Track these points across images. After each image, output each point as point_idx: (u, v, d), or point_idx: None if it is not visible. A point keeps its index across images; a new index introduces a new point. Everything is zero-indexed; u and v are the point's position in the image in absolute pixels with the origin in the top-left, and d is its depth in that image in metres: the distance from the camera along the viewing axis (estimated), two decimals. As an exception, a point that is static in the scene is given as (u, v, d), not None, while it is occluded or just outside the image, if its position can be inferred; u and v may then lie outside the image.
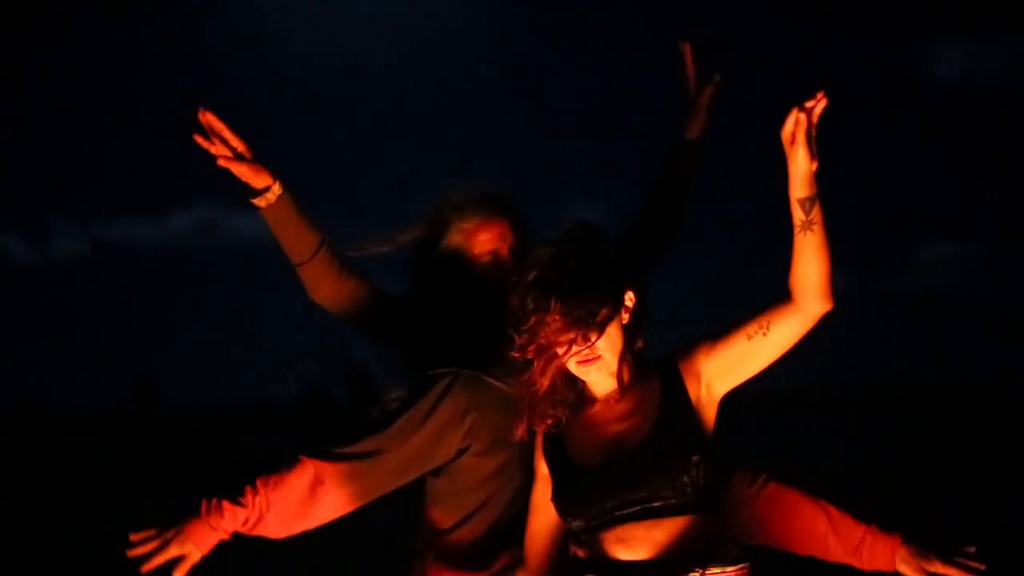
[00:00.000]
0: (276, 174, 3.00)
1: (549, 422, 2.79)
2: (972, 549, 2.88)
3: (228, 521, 2.89)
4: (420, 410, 2.96)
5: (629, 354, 2.77)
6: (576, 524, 2.74)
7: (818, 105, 2.67)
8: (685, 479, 2.69)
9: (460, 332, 3.05)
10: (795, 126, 2.66)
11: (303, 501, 2.94)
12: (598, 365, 2.73)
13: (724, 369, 2.78)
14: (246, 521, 2.91)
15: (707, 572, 2.69)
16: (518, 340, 2.73)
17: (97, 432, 21.26)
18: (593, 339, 2.70)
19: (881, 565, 2.91)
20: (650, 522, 2.69)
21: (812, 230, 2.69)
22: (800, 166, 2.67)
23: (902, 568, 2.88)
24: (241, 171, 2.97)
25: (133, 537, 2.91)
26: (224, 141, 2.96)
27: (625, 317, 2.74)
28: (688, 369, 2.79)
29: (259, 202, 3.01)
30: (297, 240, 3.07)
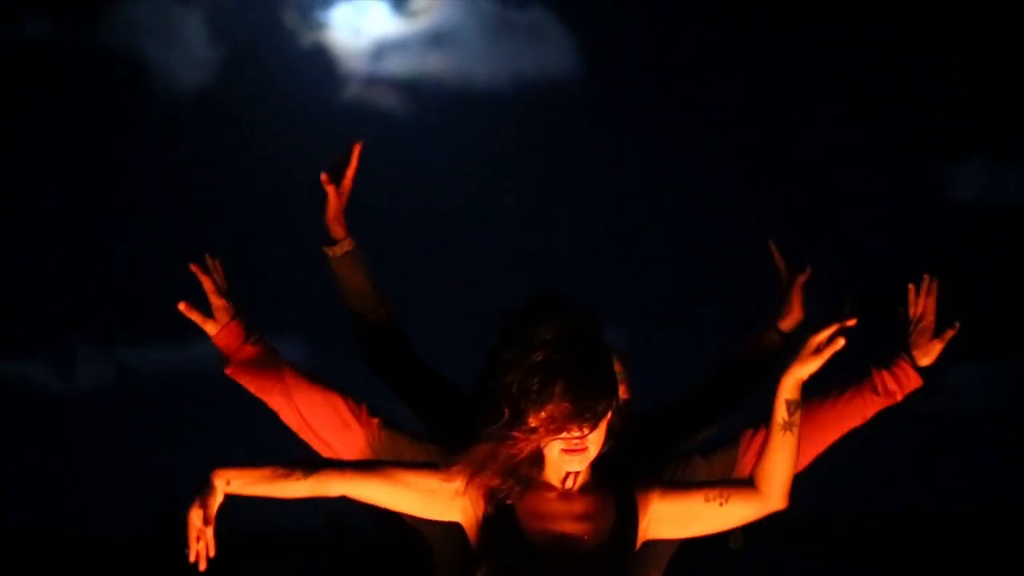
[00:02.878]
0: (353, 233, 3.18)
1: (499, 486, 2.72)
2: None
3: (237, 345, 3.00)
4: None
5: (602, 451, 2.74)
6: None
7: (852, 326, 2.74)
8: None
9: None
10: (829, 343, 2.71)
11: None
12: (582, 457, 2.68)
13: (671, 518, 2.78)
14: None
15: None
16: (508, 416, 2.67)
17: (120, 558, 21.18)
18: (586, 431, 2.65)
19: (911, 385, 3.06)
20: None
21: (791, 431, 2.73)
22: (804, 373, 2.72)
23: (928, 360, 3.05)
24: (332, 206, 3.14)
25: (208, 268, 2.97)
26: (341, 174, 3.14)
27: (609, 414, 2.70)
28: (641, 500, 2.77)
29: (329, 250, 3.17)
30: (357, 296, 3.21)
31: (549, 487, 2.76)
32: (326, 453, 3.01)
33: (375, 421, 3.01)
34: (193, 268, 2.95)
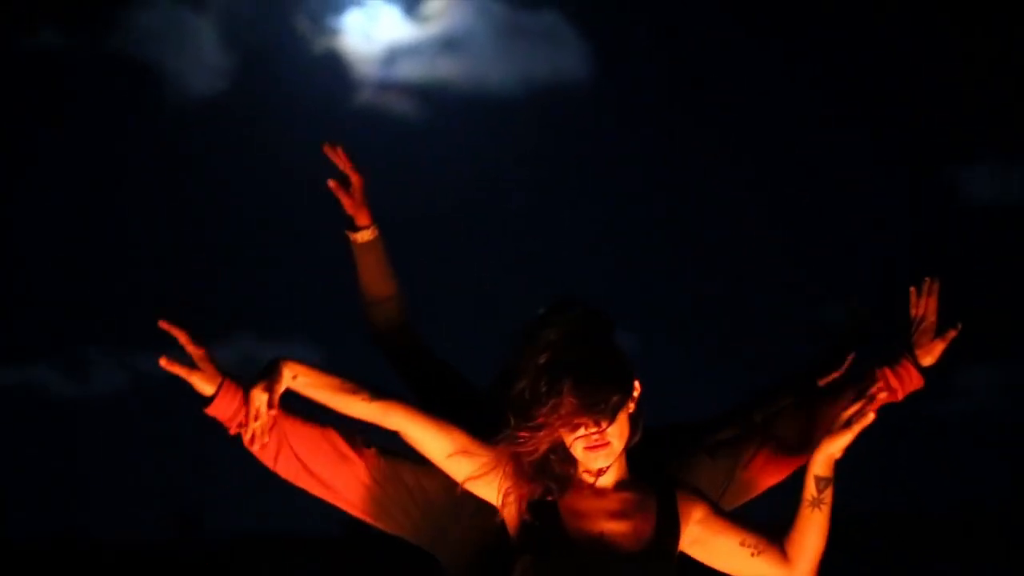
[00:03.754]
0: (375, 220, 3.29)
1: (535, 488, 2.77)
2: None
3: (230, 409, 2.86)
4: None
5: (630, 446, 2.77)
6: None
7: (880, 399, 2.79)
8: None
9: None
10: (859, 418, 2.72)
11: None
12: (607, 452, 2.73)
13: (702, 543, 2.82)
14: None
15: None
16: (523, 421, 2.72)
17: (134, 565, 21.24)
18: (604, 425, 2.70)
19: (912, 384, 3.10)
20: None
21: (820, 509, 2.76)
22: (835, 448, 2.74)
23: (930, 359, 3.09)
24: (347, 203, 3.24)
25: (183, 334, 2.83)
26: (344, 174, 3.24)
27: (631, 406, 2.75)
28: (684, 509, 2.81)
29: (353, 236, 3.27)
30: (374, 282, 3.30)
31: (585, 485, 2.80)
32: (328, 496, 2.98)
33: (372, 450, 2.99)
34: (163, 325, 2.87)
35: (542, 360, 2.71)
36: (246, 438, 2.74)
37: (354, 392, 2.78)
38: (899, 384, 3.10)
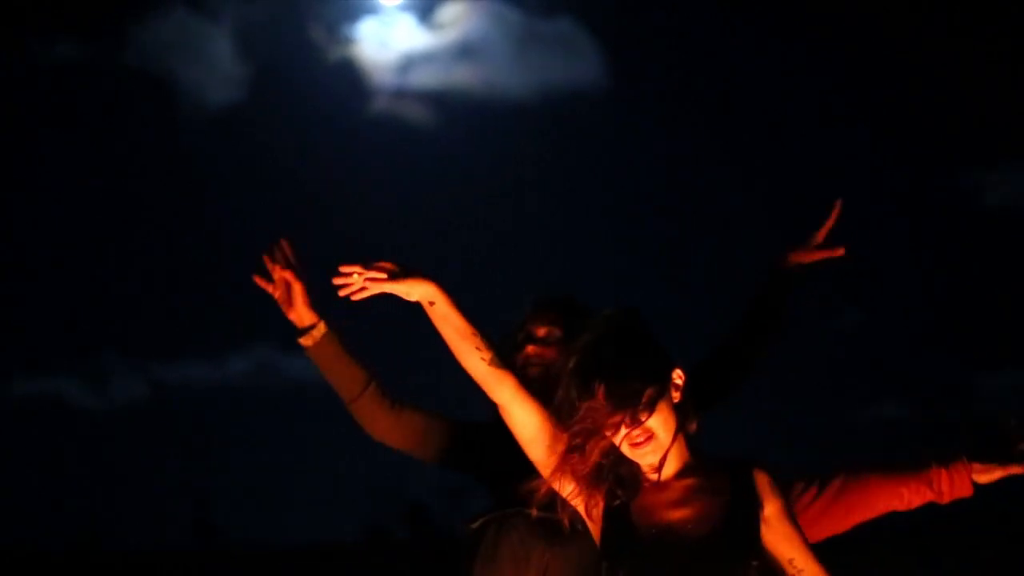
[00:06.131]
0: (323, 315, 3.08)
1: (601, 496, 2.76)
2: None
3: None
4: None
5: (684, 434, 2.75)
6: None
7: None
8: None
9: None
10: None
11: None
12: (653, 446, 2.71)
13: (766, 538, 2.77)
14: None
15: None
16: (569, 431, 2.71)
17: (154, 572, 21.26)
18: (643, 419, 2.69)
19: (960, 492, 3.05)
20: None
21: None
22: None
23: (984, 479, 3.03)
24: (292, 299, 3.07)
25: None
26: (286, 272, 3.06)
27: (676, 396, 2.74)
28: (761, 490, 2.76)
29: (304, 341, 3.08)
30: (344, 379, 3.12)
31: (650, 482, 2.77)
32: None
33: None
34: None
35: (571, 366, 2.71)
36: (341, 268, 2.74)
37: (479, 347, 2.75)
38: (949, 489, 3.05)
